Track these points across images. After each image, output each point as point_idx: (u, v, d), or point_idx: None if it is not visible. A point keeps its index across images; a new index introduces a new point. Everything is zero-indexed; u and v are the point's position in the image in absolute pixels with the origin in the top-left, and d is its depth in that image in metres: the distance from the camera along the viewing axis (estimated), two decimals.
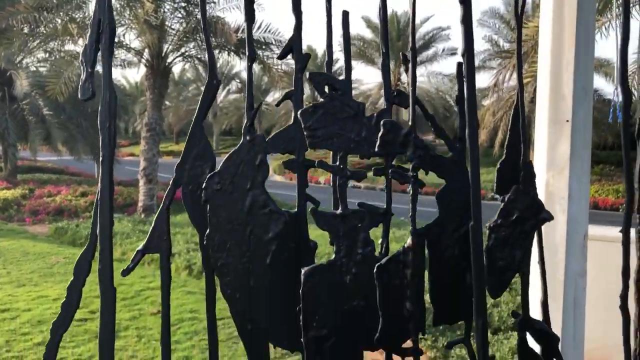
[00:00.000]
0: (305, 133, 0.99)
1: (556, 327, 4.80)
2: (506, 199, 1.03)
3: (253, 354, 1.06)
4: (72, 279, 1.12)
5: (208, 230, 1.06)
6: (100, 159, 1.05)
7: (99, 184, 1.06)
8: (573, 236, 4.07)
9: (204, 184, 1.05)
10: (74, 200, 11.88)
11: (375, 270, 1.06)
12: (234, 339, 7.07)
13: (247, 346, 1.06)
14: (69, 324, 1.12)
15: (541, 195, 4.11)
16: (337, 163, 1.01)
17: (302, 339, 1.00)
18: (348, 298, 0.97)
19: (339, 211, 0.99)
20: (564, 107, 3.38)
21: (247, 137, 1.03)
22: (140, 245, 1.09)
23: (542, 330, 1.02)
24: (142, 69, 11.62)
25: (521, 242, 1.02)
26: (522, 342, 1.00)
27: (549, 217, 1.03)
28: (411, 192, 1.08)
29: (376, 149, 1.04)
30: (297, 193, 1.19)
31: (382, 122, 1.03)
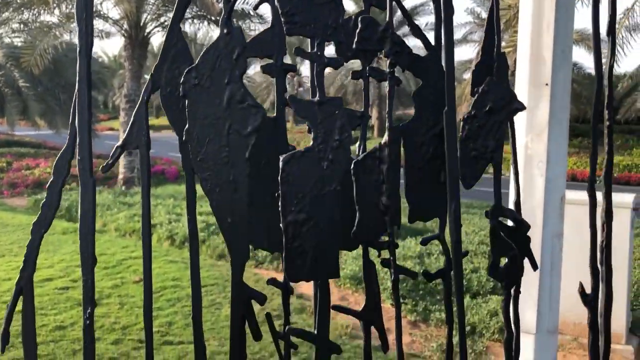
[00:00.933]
0: (282, 20, 1.00)
1: (533, 288, 4.92)
2: (480, 91, 1.05)
3: (233, 248, 1.08)
4: (51, 179, 1.12)
5: (187, 125, 1.07)
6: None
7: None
8: (551, 198, 4.16)
9: (182, 79, 1.06)
10: None
11: (352, 166, 1.09)
12: (216, 305, 7.13)
13: (227, 240, 1.08)
14: (49, 225, 1.13)
15: (520, 158, 4.20)
16: (315, 50, 1.02)
17: (281, 241, 1.03)
18: (325, 183, 0.99)
19: (316, 99, 1.01)
20: (544, 71, 3.42)
21: (225, 30, 1.03)
22: (119, 141, 1.09)
23: (514, 217, 1.06)
24: (121, 42, 11.44)
25: (494, 132, 1.05)
26: (494, 229, 1.04)
27: (521, 107, 1.05)
28: (388, 88, 1.10)
29: (354, 46, 1.05)
30: (276, 97, 1.20)
31: (359, 18, 1.04)
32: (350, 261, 6.89)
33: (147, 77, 1.13)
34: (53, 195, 1.11)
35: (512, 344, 1.08)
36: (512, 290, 1.12)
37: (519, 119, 4.15)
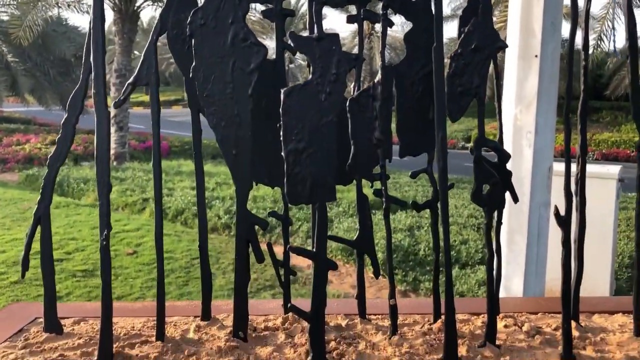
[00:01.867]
0: None
1: (520, 257, 5.03)
2: (465, 31, 1.13)
3: (238, 179, 1.16)
4: (65, 115, 1.19)
5: (194, 64, 1.14)
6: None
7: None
8: (538, 169, 4.27)
9: (189, 19, 1.13)
10: (44, 148, 11.72)
11: (348, 103, 1.17)
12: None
13: (232, 171, 1.16)
14: (64, 159, 1.21)
15: (509, 129, 4.29)
16: None
17: (282, 175, 1.11)
18: (322, 114, 1.08)
19: (315, 35, 1.09)
20: (534, 43, 3.49)
21: None
22: (131, 78, 1.17)
23: (495, 148, 1.14)
24: (110, 16, 11.34)
25: (479, 69, 1.13)
26: (477, 159, 1.13)
27: (504, 45, 1.14)
28: (381, 29, 1.18)
29: None
30: (275, 42, 1.28)
31: None
32: (341, 233, 7.00)
33: (137, 52, 1.21)
34: (67, 130, 1.19)
35: (492, 263, 1.18)
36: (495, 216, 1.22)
37: (509, 91, 4.25)
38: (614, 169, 5.06)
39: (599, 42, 14.83)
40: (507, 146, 4.03)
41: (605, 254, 5.22)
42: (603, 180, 5.12)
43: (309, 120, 1.07)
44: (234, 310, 1.20)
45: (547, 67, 3.30)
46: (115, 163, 11.27)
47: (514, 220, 5.84)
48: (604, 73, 17.69)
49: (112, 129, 11.46)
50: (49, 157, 1.20)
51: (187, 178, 9.85)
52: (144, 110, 21.86)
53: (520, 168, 5.31)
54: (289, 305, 1.09)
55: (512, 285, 5.09)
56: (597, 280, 4.97)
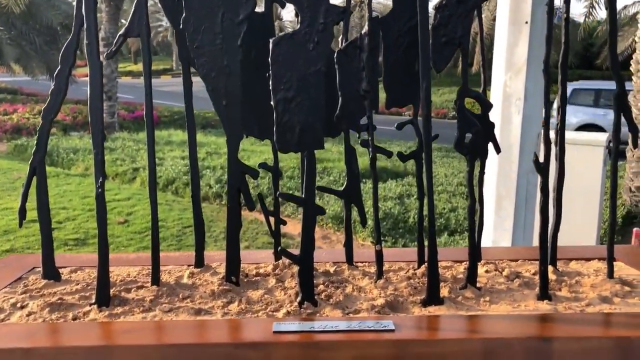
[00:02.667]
0: None
1: (507, 222, 5.08)
2: None
3: (228, 128, 1.20)
4: (58, 68, 1.21)
5: (183, 15, 1.16)
6: None
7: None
8: (527, 135, 4.30)
9: None
10: (32, 118, 11.61)
11: (335, 55, 1.20)
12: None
13: (223, 121, 1.20)
14: (57, 111, 1.23)
15: (498, 96, 4.30)
16: None
17: (272, 127, 1.14)
18: (310, 63, 1.11)
19: None
20: (524, 9, 3.49)
21: None
22: (122, 30, 1.19)
23: (478, 97, 1.18)
24: None
25: (462, 20, 1.16)
26: (460, 108, 1.16)
27: None
28: None
29: None
30: None
31: None
32: (332, 202, 7.06)
33: (124, 21, 1.22)
34: (60, 82, 1.21)
35: (474, 209, 1.23)
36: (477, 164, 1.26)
37: (498, 58, 4.25)
38: (602, 136, 5.13)
39: (590, 10, 14.79)
40: (496, 113, 4.08)
41: (592, 220, 5.31)
42: (591, 147, 5.19)
43: (297, 69, 1.10)
44: (226, 256, 1.24)
45: (537, 33, 3.30)
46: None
47: (502, 186, 5.90)
48: (595, 42, 17.67)
49: None
50: (42, 109, 1.23)
51: (177, 148, 9.83)
52: (132, 80, 21.63)
53: (509, 135, 5.36)
54: (279, 248, 1.14)
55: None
56: (582, 234, 5.05)
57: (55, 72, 1.22)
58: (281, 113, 1.10)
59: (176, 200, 8.29)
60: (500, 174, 5.77)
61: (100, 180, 1.14)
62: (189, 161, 1.28)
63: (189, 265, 1.38)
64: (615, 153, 1.25)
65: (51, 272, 1.27)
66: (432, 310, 1.13)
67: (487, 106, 1.18)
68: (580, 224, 4.84)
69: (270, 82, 1.10)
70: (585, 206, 5.10)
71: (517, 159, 5.81)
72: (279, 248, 1.13)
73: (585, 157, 5.16)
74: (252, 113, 1.26)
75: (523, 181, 5.85)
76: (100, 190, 1.14)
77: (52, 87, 1.22)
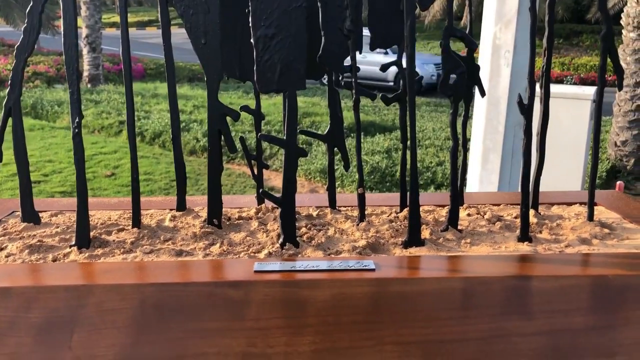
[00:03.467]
0: None
1: (493, 175, 5.09)
2: None
3: (208, 68, 1.17)
4: (30, 4, 1.17)
5: None
6: None
7: None
8: (515, 88, 4.27)
9: None
10: None
11: None
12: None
13: (202, 61, 1.17)
14: (32, 50, 1.19)
15: (488, 48, 4.25)
16: None
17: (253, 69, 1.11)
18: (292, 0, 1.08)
19: None
20: None
21: None
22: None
23: (463, 37, 1.16)
24: None
25: None
26: (445, 47, 1.14)
27: None
28: None
29: None
30: None
31: None
32: (320, 156, 7.05)
33: None
34: (33, 19, 1.17)
35: (456, 152, 1.22)
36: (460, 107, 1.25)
37: (489, 9, 4.18)
38: (589, 90, 5.14)
39: None
40: (485, 65, 4.02)
41: (577, 172, 5.36)
42: (578, 101, 5.20)
43: (277, 5, 1.07)
44: (208, 199, 1.23)
45: None
46: (89, 85, 11.03)
47: (488, 139, 5.92)
48: None
49: (85, 50, 11.12)
50: (15, 47, 1.19)
51: (163, 101, 9.71)
52: (117, 31, 21.14)
53: (498, 87, 5.34)
54: (260, 191, 1.13)
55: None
56: (568, 187, 5.11)
57: (28, 9, 1.17)
58: (261, 51, 1.08)
59: (163, 153, 8.24)
60: (487, 126, 5.77)
61: (77, 120, 1.11)
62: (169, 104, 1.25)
63: (170, 209, 1.37)
64: (601, 90, 1.24)
65: (30, 215, 1.26)
66: (413, 251, 1.14)
67: (472, 44, 1.16)
68: (565, 178, 4.89)
69: (250, 19, 1.07)
70: (570, 160, 5.15)
71: (505, 111, 5.81)
72: (261, 190, 1.13)
73: (573, 110, 5.17)
74: (233, 53, 1.23)
75: (510, 134, 5.86)
76: (77, 130, 1.11)
77: (25, 24, 1.18)
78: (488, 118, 5.44)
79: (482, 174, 5.62)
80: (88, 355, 0.94)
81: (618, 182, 5.45)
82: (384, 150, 7.97)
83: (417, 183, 1.14)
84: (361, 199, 1.27)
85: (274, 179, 6.97)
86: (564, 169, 4.94)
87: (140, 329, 0.96)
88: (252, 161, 1.33)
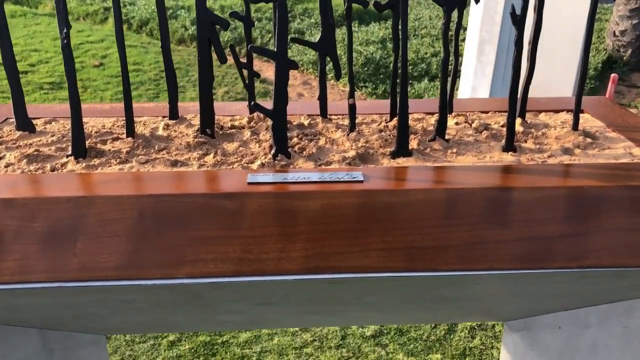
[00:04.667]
0: None
1: (488, 68, 5.06)
2: None
3: None
4: None
5: None
6: None
7: None
8: None
9: None
10: None
11: None
12: (179, 88, 7.19)
13: None
14: None
15: None
16: None
17: None
18: None
19: None
20: None
21: None
22: None
23: None
24: None
25: None
26: None
27: None
28: None
29: None
30: None
31: None
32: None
33: None
34: None
35: (447, 62, 1.22)
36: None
37: None
38: None
39: None
40: None
41: (572, 64, 5.31)
42: None
43: None
44: (200, 110, 1.25)
45: None
46: None
47: (485, 30, 5.78)
48: None
49: None
50: None
51: None
52: None
53: None
54: (252, 103, 1.14)
55: (477, 96, 5.22)
56: (560, 89, 5.12)
57: None
58: None
59: (151, 42, 8.03)
60: (484, 16, 5.61)
61: (65, 31, 1.10)
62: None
63: (163, 117, 1.38)
64: None
65: (25, 123, 1.28)
66: (401, 161, 1.17)
67: None
68: (561, 68, 4.85)
69: None
70: (567, 54, 5.09)
71: (503, 1, 5.63)
72: (252, 103, 1.14)
73: (572, 2, 5.02)
74: None
75: (507, 24, 5.73)
76: (65, 41, 1.10)
77: None
78: (485, 8, 5.28)
79: (477, 67, 5.55)
80: (92, 261, 1.01)
81: (612, 75, 5.43)
82: (379, 40, 7.79)
83: (406, 96, 1.16)
84: (352, 110, 1.29)
85: (266, 70, 6.86)
86: (557, 61, 4.88)
87: (140, 237, 1.02)
88: (243, 70, 1.32)
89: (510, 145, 1.22)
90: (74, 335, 1.37)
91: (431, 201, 1.04)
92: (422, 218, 1.04)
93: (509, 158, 1.19)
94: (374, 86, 7.00)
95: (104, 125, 1.35)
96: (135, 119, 1.38)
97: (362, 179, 1.06)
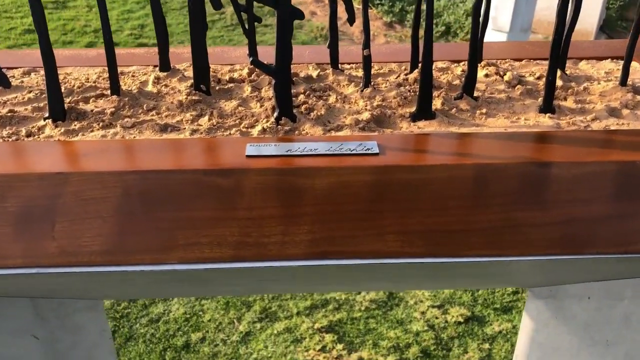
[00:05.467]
0: None
1: None
2: None
3: None
4: None
5: None
6: None
7: None
8: None
9: None
10: None
11: None
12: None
13: None
14: None
15: None
16: None
17: None
18: None
19: None
20: None
21: None
22: None
23: None
24: None
25: None
26: None
27: None
28: None
29: None
30: None
31: None
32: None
33: None
34: None
35: (480, 4, 1.04)
36: None
37: None
38: None
39: None
40: None
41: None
42: None
43: None
44: (193, 65, 1.09)
45: None
46: None
47: None
48: None
49: None
50: None
51: None
52: None
53: None
54: (251, 59, 0.99)
55: (500, 17, 4.91)
56: (586, 7, 4.80)
57: None
58: None
59: None
60: None
61: None
62: None
63: (154, 67, 1.23)
64: None
65: None
66: (422, 125, 1.03)
67: None
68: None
69: None
70: None
71: None
72: (251, 59, 0.98)
73: None
74: None
75: None
76: None
77: None
78: None
79: None
80: (73, 245, 0.90)
81: None
82: None
83: (431, 44, 0.99)
84: (367, 62, 1.12)
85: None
86: None
87: (126, 218, 0.90)
88: (243, 14, 1.15)
89: (548, 106, 1.06)
90: (67, 302, 1.29)
91: (456, 178, 0.91)
92: (445, 197, 0.91)
93: (546, 121, 1.04)
94: (390, 4, 6.63)
95: (87, 78, 1.20)
96: (123, 70, 1.23)
97: (377, 150, 0.92)
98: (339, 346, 2.81)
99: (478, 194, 0.91)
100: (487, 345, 2.83)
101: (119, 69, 1.21)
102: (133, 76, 1.21)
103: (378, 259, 0.92)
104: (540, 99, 1.10)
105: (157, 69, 1.20)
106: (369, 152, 0.92)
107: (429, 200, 0.91)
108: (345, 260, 0.92)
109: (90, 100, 1.10)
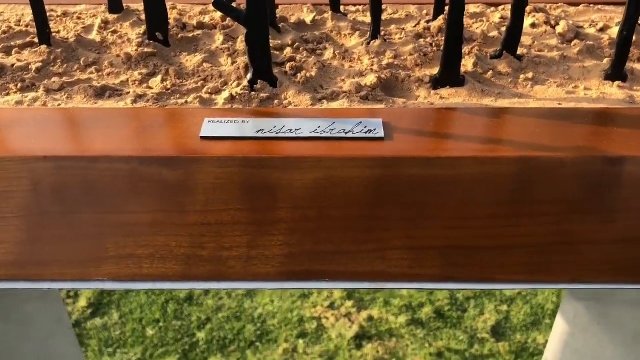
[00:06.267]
0: None
1: None
2: None
3: None
4: None
5: None
6: None
7: None
8: None
9: None
10: None
11: None
12: None
13: None
14: None
15: None
16: None
17: None
18: None
19: None
20: None
21: None
22: None
23: None
24: None
25: None
26: None
27: None
28: None
29: None
30: None
31: None
32: None
33: None
34: None
35: None
36: None
37: None
38: None
39: None
40: None
41: None
42: None
43: None
44: (145, 3, 0.83)
45: None
46: None
47: None
48: None
49: None
50: None
51: None
52: None
53: None
54: (213, 1, 0.72)
55: None
56: None
57: None
58: None
59: None
60: None
61: None
62: None
63: (106, 8, 0.97)
64: None
65: None
66: (446, 94, 0.76)
67: None
68: None
69: None
70: None
71: None
72: (214, 1, 0.71)
73: None
74: None
75: None
76: None
77: None
78: None
79: None
80: None
81: None
82: None
83: None
84: (376, 5, 0.84)
85: None
86: None
87: (37, 220, 0.67)
88: None
89: (618, 72, 0.78)
90: (14, 292, 1.09)
91: (489, 176, 0.65)
92: (473, 202, 0.66)
93: (615, 93, 0.77)
94: None
95: (20, 19, 0.94)
96: (68, 9, 0.97)
97: (381, 133, 0.67)
98: (348, 303, 2.64)
99: (519, 199, 0.66)
100: (504, 307, 2.63)
101: (64, 8, 0.95)
102: (79, 18, 0.95)
103: (377, 282, 0.68)
104: (605, 61, 0.82)
105: (107, 12, 0.94)
106: (371, 135, 0.67)
107: (450, 206, 0.66)
108: (334, 284, 0.68)
109: (14, 51, 0.85)
